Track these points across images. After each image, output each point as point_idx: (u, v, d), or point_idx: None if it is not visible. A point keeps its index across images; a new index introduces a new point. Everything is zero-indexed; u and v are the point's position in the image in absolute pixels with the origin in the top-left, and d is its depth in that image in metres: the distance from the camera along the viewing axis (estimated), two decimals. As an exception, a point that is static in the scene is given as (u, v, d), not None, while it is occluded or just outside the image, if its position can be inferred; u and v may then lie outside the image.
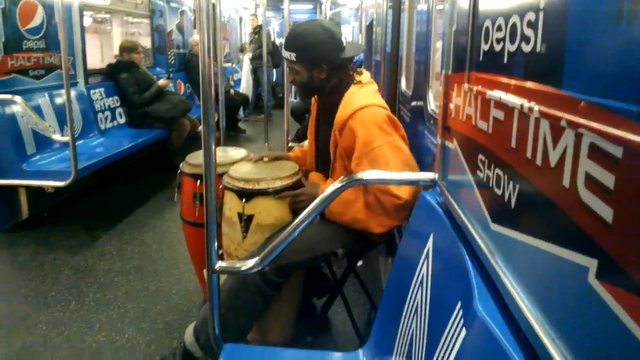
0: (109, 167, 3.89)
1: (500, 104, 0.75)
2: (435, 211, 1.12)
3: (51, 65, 3.88)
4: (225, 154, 2.43)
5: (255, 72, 8.19)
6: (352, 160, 1.73)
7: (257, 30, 7.97)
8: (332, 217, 1.78)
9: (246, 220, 1.86)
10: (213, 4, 5.24)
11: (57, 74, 3.91)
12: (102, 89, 4.60)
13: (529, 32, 0.66)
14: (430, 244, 1.08)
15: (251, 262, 1.32)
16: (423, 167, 2.00)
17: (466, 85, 0.94)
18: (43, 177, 3.35)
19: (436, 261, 1.02)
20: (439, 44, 2.02)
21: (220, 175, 2.18)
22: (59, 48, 3.12)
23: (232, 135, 6.65)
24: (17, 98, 3.30)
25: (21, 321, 2.34)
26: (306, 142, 2.34)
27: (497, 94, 0.76)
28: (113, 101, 4.72)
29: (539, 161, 0.62)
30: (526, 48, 0.67)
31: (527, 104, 0.64)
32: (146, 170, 5.11)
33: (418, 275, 1.10)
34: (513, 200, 0.70)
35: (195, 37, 6.76)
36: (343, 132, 1.74)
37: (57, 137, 3.51)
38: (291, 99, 6.50)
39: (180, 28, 6.63)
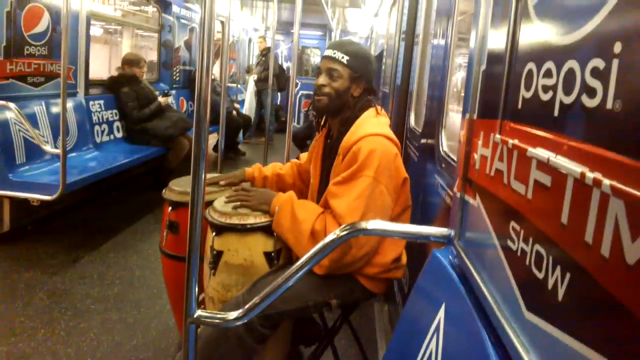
0: (101, 181, 3.74)
1: (546, 166, 0.61)
2: (449, 276, 0.97)
3: (52, 73, 3.78)
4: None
5: (260, 94, 8.12)
6: (337, 177, 1.59)
7: (265, 53, 7.94)
8: (277, 226, 1.66)
9: (215, 256, 1.71)
10: (222, 22, 5.19)
11: (56, 82, 3.79)
12: (101, 101, 4.49)
13: (594, 84, 0.52)
14: (441, 314, 0.92)
15: (234, 315, 1.16)
16: (430, 213, 1.86)
17: (498, 136, 0.80)
18: (29, 189, 3.19)
19: (448, 339, 0.86)
20: (454, 80, 1.90)
21: (207, 204, 2.04)
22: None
23: (232, 157, 6.53)
24: (11, 105, 3.19)
25: (-19, 349, 2.16)
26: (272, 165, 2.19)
27: (543, 153, 0.62)
28: (112, 114, 4.61)
29: (605, 251, 0.47)
30: (589, 102, 0.53)
31: (590, 174, 0.50)
32: (139, 188, 4.96)
33: (426, 349, 0.94)
34: (560, 291, 0.55)
35: (203, 55, 6.68)
36: (346, 157, 1.61)
37: (47, 148, 3.38)
38: (294, 124, 6.41)
39: (188, 45, 6.58)
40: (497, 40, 0.88)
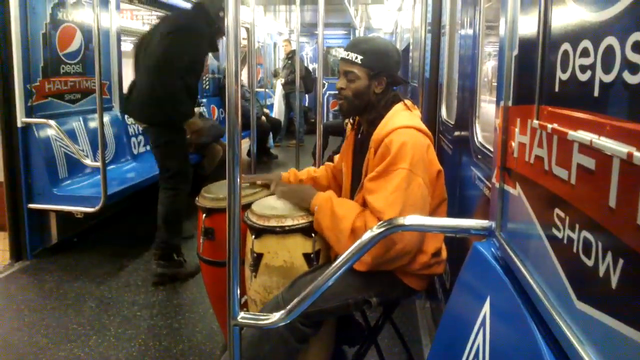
0: (140, 191, 3.85)
1: (589, 149, 0.58)
2: (492, 268, 0.94)
3: (87, 89, 3.91)
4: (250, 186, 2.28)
5: (288, 97, 8.17)
6: (371, 172, 1.58)
7: (291, 56, 8.00)
8: (317, 226, 1.65)
9: (255, 259, 1.73)
10: (247, 29, 5.26)
11: (92, 98, 3.92)
12: (136, 114, 4.61)
13: (635, 59, 0.50)
14: (487, 308, 0.90)
15: (276, 316, 1.17)
16: (468, 206, 1.82)
17: (535, 122, 0.77)
18: (73, 203, 3.33)
19: (496, 332, 0.85)
20: (484, 70, 1.86)
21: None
22: (95, 72, 3.13)
23: (265, 160, 6.59)
24: (52, 122, 3.33)
25: (41, 354, 2.26)
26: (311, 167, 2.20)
27: (584, 135, 0.60)
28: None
29: (661, 234, 0.45)
30: (632, 79, 0.51)
31: (638, 154, 0.48)
32: (177, 195, 5.06)
33: (472, 344, 0.92)
34: (613, 278, 0.53)
35: (231, 62, 6.80)
36: (378, 150, 1.59)
37: (88, 162, 3.50)
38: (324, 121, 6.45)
39: (215, 54, 6.68)
40: (528, 24, 0.85)
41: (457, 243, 1.86)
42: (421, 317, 2.59)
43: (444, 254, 1.74)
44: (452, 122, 2.23)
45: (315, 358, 1.82)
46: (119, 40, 4.31)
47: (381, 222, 1.16)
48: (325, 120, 10.27)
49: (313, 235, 1.72)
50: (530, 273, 0.78)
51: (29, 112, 3.30)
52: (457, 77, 2.18)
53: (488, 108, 1.80)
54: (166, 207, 3.05)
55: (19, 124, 3.23)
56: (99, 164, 3.18)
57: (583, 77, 0.62)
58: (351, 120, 1.92)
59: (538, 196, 0.77)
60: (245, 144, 7.40)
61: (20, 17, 3.16)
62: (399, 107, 1.72)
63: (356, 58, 1.68)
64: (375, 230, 1.15)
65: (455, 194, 1.97)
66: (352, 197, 1.86)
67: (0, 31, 3.11)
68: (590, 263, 0.58)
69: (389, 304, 1.80)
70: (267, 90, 8.66)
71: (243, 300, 2.02)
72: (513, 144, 0.90)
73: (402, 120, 1.62)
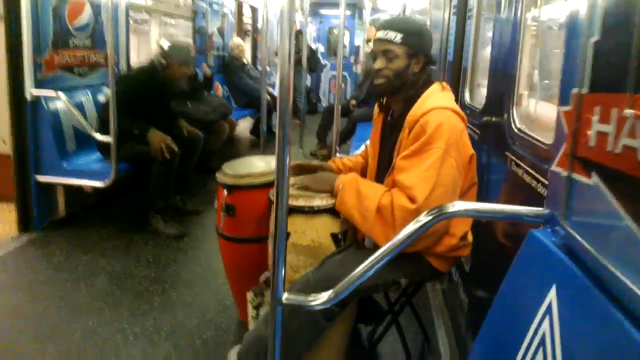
0: (147, 167, 3.80)
1: None
2: (555, 256, 0.94)
3: (96, 63, 3.83)
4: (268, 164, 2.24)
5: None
6: (404, 151, 1.56)
7: (296, 36, 7.87)
8: (341, 205, 1.63)
9: None
10: (253, 8, 5.16)
11: (101, 72, 3.86)
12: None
13: None
14: (552, 296, 0.90)
15: (324, 297, 1.16)
16: (498, 190, 1.82)
17: (628, 111, 0.75)
18: (82, 176, 3.30)
19: (568, 320, 0.84)
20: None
21: (262, 186, 2.06)
22: (104, 46, 3.04)
23: (268, 139, 6.54)
24: (61, 94, 3.25)
25: (56, 327, 2.25)
26: (349, 155, 2.17)
27: None
28: (154, 101, 4.65)
29: None
30: None
31: None
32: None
33: (536, 332, 0.92)
34: None
35: (235, 40, 6.72)
36: (413, 130, 1.57)
37: (98, 136, 3.43)
38: (324, 105, 6.42)
39: (220, 31, 6.58)
40: (615, 8, 0.83)
41: (482, 226, 1.85)
42: (433, 298, 2.61)
43: (470, 237, 1.74)
44: (479, 107, 2.21)
45: (336, 335, 1.83)
46: (127, 15, 4.22)
47: (429, 210, 1.13)
48: (327, 103, 10.20)
49: (341, 215, 1.71)
50: (611, 264, 0.77)
51: (38, 85, 3.22)
52: (488, 61, 2.14)
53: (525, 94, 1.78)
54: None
55: (27, 97, 3.16)
56: (109, 138, 3.12)
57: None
58: (380, 102, 1.89)
59: (626, 187, 0.76)
60: (247, 123, 7.34)
61: (31, -12, 3.06)
62: (435, 87, 1.70)
63: (395, 37, 1.65)
64: (423, 218, 1.13)
65: (483, 179, 1.96)
66: (377, 179, 1.85)
67: (10, 3, 3.02)
68: None
69: (414, 285, 1.81)
70: (270, 69, 8.56)
71: (265, 277, 2.02)
72: (589, 132, 0.88)
73: (439, 101, 1.61)
